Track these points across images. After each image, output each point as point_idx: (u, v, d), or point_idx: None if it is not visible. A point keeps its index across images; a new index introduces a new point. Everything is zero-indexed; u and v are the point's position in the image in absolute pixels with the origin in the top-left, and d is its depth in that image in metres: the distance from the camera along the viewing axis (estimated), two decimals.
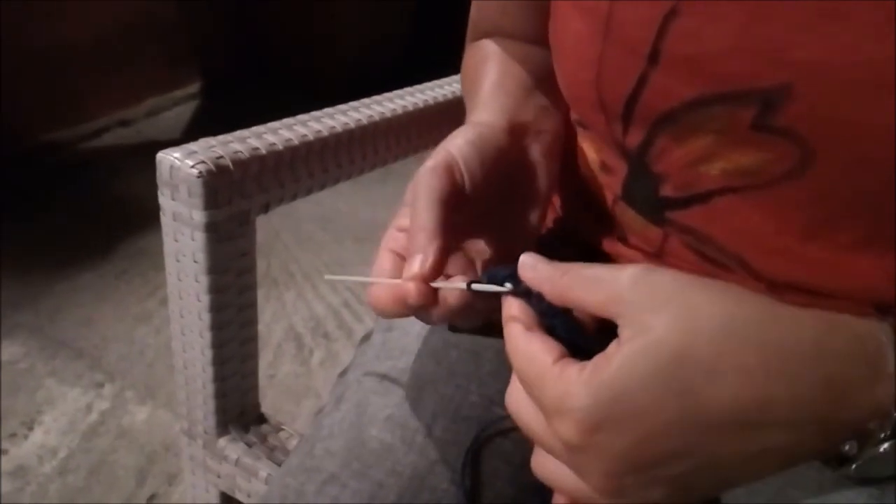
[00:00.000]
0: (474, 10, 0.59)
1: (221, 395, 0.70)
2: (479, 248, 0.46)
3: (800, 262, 0.41)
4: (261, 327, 1.54)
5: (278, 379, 1.44)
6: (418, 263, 0.38)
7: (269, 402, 1.38)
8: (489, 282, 0.38)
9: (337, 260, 1.79)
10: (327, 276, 0.45)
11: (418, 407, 0.49)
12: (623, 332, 0.33)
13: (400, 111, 0.75)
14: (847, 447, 0.32)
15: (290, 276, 1.73)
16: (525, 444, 0.38)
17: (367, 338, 0.60)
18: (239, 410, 0.73)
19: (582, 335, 0.36)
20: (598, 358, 0.33)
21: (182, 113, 2.43)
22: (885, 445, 0.32)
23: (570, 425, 0.32)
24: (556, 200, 0.59)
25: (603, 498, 0.34)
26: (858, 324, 0.33)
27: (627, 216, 0.49)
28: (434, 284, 0.38)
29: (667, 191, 0.44)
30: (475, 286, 0.38)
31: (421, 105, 0.77)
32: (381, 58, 2.70)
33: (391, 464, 0.46)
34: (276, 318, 1.59)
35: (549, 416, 0.33)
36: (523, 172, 0.47)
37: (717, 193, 0.42)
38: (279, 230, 1.85)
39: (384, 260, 0.42)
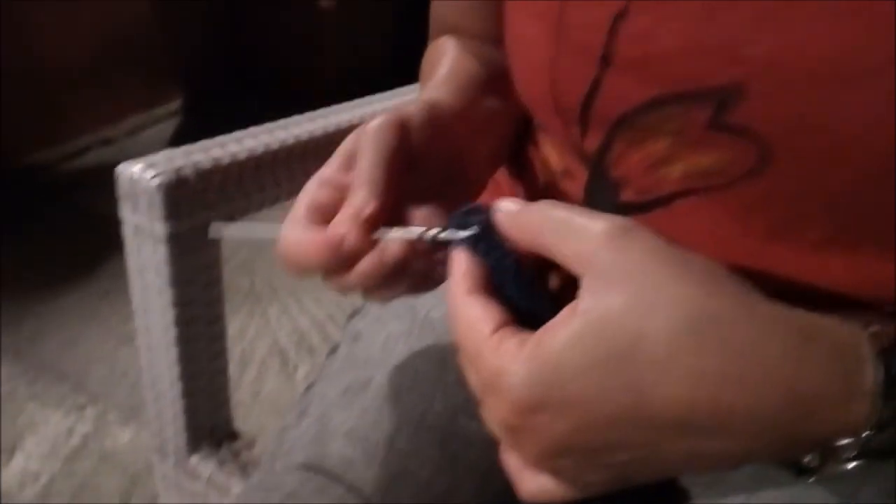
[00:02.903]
0: (434, 10, 0.59)
1: (191, 412, 0.68)
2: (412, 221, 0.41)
3: (764, 264, 0.40)
4: (244, 344, 1.53)
5: (263, 395, 1.42)
6: (356, 208, 0.35)
7: (254, 419, 1.36)
8: (452, 227, 0.34)
9: None
10: (215, 232, 0.38)
11: (381, 418, 0.48)
12: (582, 296, 0.30)
13: (368, 118, 0.74)
14: (808, 458, 0.30)
15: (273, 291, 1.72)
16: (493, 450, 0.35)
17: (333, 350, 0.58)
18: (210, 427, 0.71)
19: (536, 297, 0.33)
20: (542, 331, 0.30)
21: (164, 130, 2.42)
22: (852, 464, 0.29)
23: (504, 405, 0.30)
24: None
25: (538, 472, 0.32)
26: (840, 333, 0.30)
27: None
28: (376, 235, 0.35)
29: (628, 195, 0.44)
30: (436, 234, 0.34)
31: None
32: (362, 72, 2.69)
33: (351, 478, 0.45)
34: (259, 334, 1.58)
35: (483, 393, 0.31)
36: (465, 164, 0.45)
37: (679, 196, 0.41)
38: (263, 246, 1.83)
39: (300, 212, 0.37)
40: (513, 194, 0.58)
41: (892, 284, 0.38)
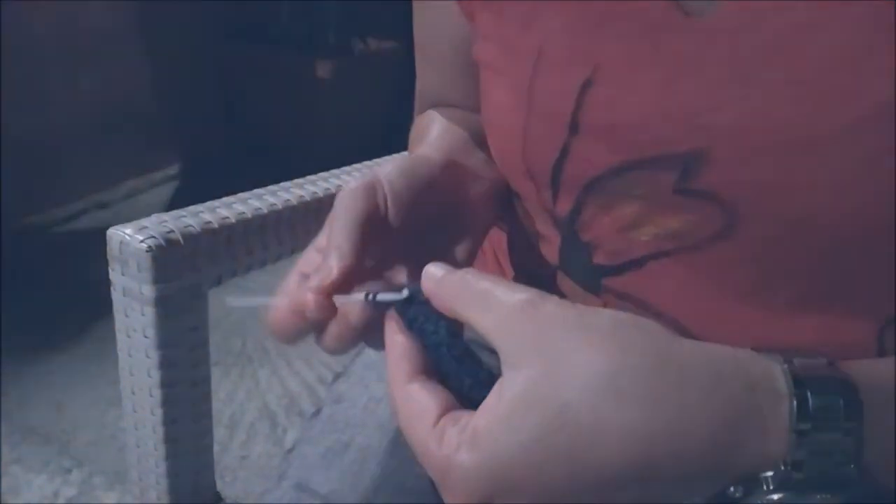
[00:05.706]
0: (420, 84, 0.61)
1: (174, 475, 0.68)
2: (401, 279, 0.43)
3: (737, 325, 0.41)
4: (234, 406, 1.52)
5: (251, 460, 1.41)
6: (321, 276, 0.37)
7: (240, 482, 1.34)
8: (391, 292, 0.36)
9: None
10: (229, 301, 0.41)
11: (361, 480, 0.48)
12: (504, 373, 0.31)
13: None
14: (732, 489, 0.31)
15: (264, 353, 1.71)
16: None
17: (316, 413, 0.59)
18: (193, 489, 0.70)
19: (471, 369, 0.34)
20: (476, 417, 0.30)
21: (160, 194, 2.44)
22: (775, 496, 0.30)
23: (460, 497, 0.30)
24: (507, 273, 0.59)
25: None
26: (755, 371, 0.31)
27: (567, 286, 0.49)
28: (336, 300, 0.36)
29: (600, 258, 0.44)
30: (379, 296, 0.35)
31: None
32: (361, 136, 2.74)
33: None
34: (249, 396, 1.57)
35: (439, 484, 0.31)
36: (456, 209, 0.46)
37: (651, 258, 0.42)
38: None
39: (291, 280, 0.39)
40: (497, 262, 0.59)
41: (863, 345, 0.39)
